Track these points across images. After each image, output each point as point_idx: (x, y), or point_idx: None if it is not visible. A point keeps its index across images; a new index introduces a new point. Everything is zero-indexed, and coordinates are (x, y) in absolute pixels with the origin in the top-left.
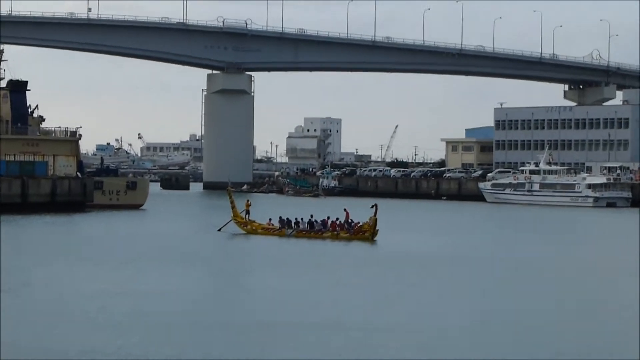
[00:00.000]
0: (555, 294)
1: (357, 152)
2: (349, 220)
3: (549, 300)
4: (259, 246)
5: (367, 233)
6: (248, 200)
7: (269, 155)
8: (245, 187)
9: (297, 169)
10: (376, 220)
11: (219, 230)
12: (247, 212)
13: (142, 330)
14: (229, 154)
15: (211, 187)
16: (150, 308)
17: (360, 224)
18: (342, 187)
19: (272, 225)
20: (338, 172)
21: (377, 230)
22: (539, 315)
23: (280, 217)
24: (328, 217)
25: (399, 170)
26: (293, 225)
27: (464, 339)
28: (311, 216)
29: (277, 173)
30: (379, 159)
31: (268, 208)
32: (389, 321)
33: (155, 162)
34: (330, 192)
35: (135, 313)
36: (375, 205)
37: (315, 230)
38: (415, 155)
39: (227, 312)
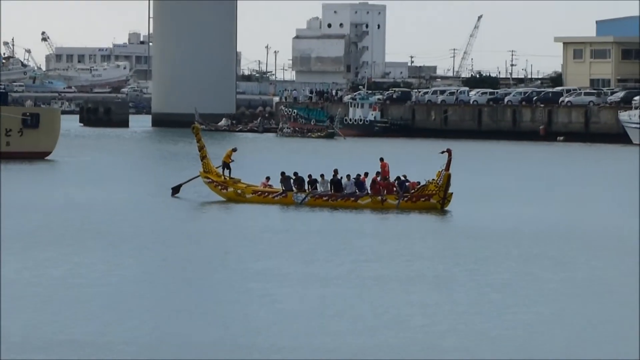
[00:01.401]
0: None
1: (412, 62)
2: (401, 179)
3: None
4: (247, 223)
5: (433, 198)
6: (233, 150)
7: (264, 70)
8: (224, 122)
9: (312, 92)
10: (449, 177)
11: (175, 191)
12: (227, 166)
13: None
14: (195, 67)
15: (165, 122)
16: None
17: (423, 183)
18: (386, 121)
19: (271, 187)
20: (380, 97)
21: (451, 194)
22: None
23: (284, 174)
24: (366, 173)
25: (484, 93)
26: (306, 185)
27: None
28: (335, 172)
29: (276, 98)
30: (450, 74)
31: (263, 159)
32: None
33: (71, 80)
34: (367, 129)
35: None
36: (448, 150)
37: (344, 195)
38: (512, 66)
39: (182, 333)
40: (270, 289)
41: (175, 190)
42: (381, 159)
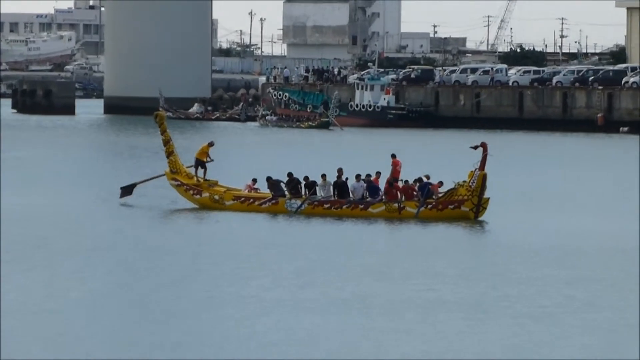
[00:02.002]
0: None
1: (435, 32)
2: (423, 180)
3: None
4: (226, 236)
5: (464, 205)
6: (209, 145)
7: (247, 43)
8: (196, 108)
9: (308, 71)
10: (484, 177)
11: (125, 192)
12: (201, 165)
13: None
14: (159, 38)
15: (121, 108)
16: None
17: (452, 187)
18: (402, 107)
19: (257, 191)
20: (394, 77)
21: (487, 199)
22: None
23: (270, 179)
24: (378, 174)
25: (527, 71)
26: (303, 190)
27: None
28: (339, 172)
29: (262, 79)
30: (483, 47)
31: (247, 156)
32: None
33: (2, 54)
34: (378, 117)
35: None
36: (482, 144)
37: (351, 201)
38: (562, 37)
39: None
40: (251, 317)
41: (126, 191)
42: (393, 156)
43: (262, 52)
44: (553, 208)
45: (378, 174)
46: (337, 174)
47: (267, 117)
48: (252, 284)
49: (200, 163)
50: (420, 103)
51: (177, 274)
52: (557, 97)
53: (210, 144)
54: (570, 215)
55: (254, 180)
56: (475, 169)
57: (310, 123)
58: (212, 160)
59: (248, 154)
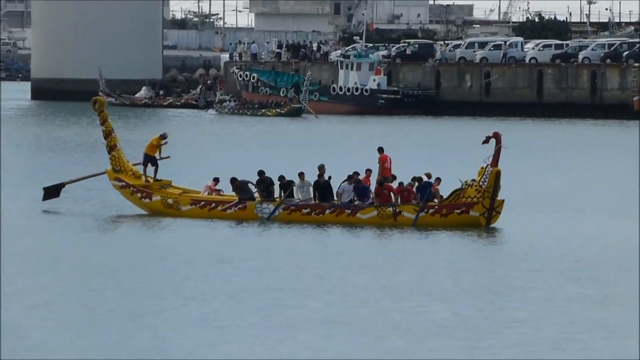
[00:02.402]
0: None
1: None
2: (424, 179)
3: None
4: (181, 248)
5: (474, 209)
6: (162, 137)
7: (206, 12)
8: (144, 92)
9: (281, 47)
10: (497, 175)
11: (50, 194)
12: (152, 161)
13: None
14: (98, 8)
15: (52, 93)
16: None
17: (459, 186)
18: (396, 90)
19: (220, 193)
20: (386, 53)
21: (501, 202)
22: None
23: (235, 181)
24: (368, 172)
25: (547, 46)
26: (277, 191)
27: None
28: (321, 170)
29: (225, 56)
30: (494, 17)
31: (206, 150)
32: None
33: None
34: (366, 103)
35: None
36: (495, 135)
37: (336, 205)
38: (589, 4)
39: None
40: (210, 343)
41: (51, 192)
42: (380, 150)
43: (224, 23)
44: (579, 212)
45: (368, 172)
46: (318, 173)
47: (224, 104)
48: (212, 305)
49: (150, 160)
50: (418, 85)
51: (120, 294)
52: (584, 76)
53: (163, 137)
54: (600, 221)
55: (216, 180)
56: (487, 165)
57: (278, 110)
58: (167, 157)
59: (208, 147)
